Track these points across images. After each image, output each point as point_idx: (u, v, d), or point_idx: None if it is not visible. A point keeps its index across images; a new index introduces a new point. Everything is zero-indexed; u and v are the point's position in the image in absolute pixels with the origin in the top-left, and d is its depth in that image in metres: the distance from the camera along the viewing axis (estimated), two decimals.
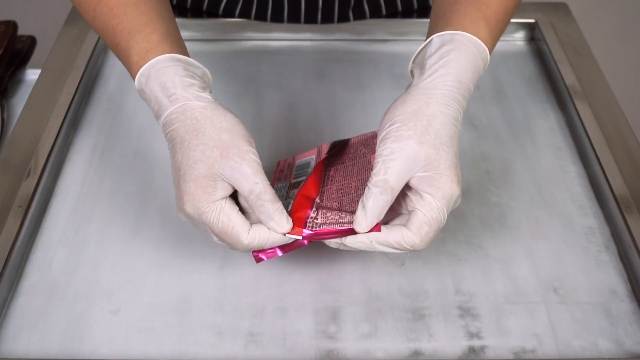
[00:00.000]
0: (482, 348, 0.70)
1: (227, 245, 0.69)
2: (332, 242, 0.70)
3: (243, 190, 0.68)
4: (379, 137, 0.70)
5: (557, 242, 0.79)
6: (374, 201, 0.67)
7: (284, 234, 0.69)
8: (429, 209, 0.67)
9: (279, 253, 0.70)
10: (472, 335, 0.71)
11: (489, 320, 0.72)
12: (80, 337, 0.70)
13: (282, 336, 0.71)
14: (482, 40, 0.73)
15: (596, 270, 0.77)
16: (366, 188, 0.68)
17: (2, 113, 0.98)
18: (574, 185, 0.86)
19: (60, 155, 0.89)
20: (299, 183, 0.76)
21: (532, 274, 0.76)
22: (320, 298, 0.74)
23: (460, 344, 0.70)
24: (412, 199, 0.68)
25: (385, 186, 0.67)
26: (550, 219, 0.82)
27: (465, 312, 0.73)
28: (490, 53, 0.74)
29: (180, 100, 0.71)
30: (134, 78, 0.74)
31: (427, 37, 0.75)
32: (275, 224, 0.68)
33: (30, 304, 0.73)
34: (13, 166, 0.85)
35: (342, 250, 0.71)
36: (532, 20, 1.08)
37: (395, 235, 0.68)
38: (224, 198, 0.69)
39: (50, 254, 0.78)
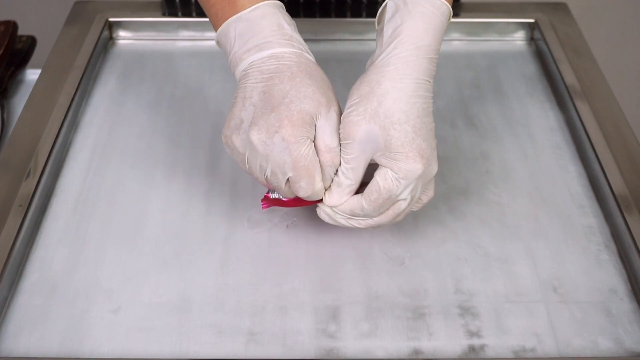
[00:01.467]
0: (482, 347, 0.70)
1: (288, 184, 0.72)
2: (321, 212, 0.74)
3: (322, 144, 0.71)
4: (342, 116, 0.72)
5: (557, 242, 0.79)
6: (340, 179, 0.72)
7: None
8: (382, 179, 0.70)
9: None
10: (472, 334, 0.71)
11: (489, 319, 0.72)
12: (81, 336, 0.71)
13: (282, 335, 0.71)
14: None
15: (596, 270, 0.77)
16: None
17: (2, 113, 0.98)
18: (574, 185, 0.86)
19: (60, 155, 0.89)
20: None
21: (532, 273, 0.76)
22: (320, 297, 0.74)
23: (460, 342, 0.70)
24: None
25: (349, 165, 0.71)
26: (550, 218, 0.82)
27: (465, 311, 0.73)
28: (451, 4, 0.72)
29: (296, 47, 0.73)
30: (236, 12, 0.74)
31: None
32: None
33: (31, 303, 0.73)
34: (13, 166, 0.85)
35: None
36: (532, 20, 1.08)
37: (349, 203, 0.72)
38: (312, 139, 0.71)
39: (50, 254, 0.78)
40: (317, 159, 0.71)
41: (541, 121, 0.95)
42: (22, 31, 1.08)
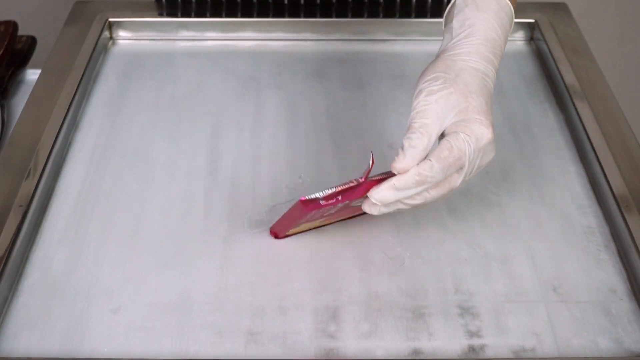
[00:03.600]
0: (482, 347, 0.70)
1: None
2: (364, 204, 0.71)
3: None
4: (414, 95, 0.73)
5: (556, 242, 0.79)
6: (414, 142, 0.70)
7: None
8: (454, 138, 0.70)
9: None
10: (471, 334, 0.71)
11: (489, 319, 0.72)
12: (81, 336, 0.71)
13: (282, 335, 0.71)
14: None
15: (596, 270, 0.77)
16: (405, 135, 0.70)
17: (2, 113, 0.98)
18: (574, 185, 0.86)
19: (60, 155, 0.89)
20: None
21: (532, 273, 0.76)
22: (320, 297, 0.74)
23: (460, 342, 0.70)
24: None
25: (422, 129, 0.70)
26: (550, 218, 0.82)
27: (465, 311, 0.73)
28: (514, 8, 0.77)
29: None
30: None
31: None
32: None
33: (31, 303, 0.73)
34: (13, 166, 0.85)
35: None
36: (532, 20, 1.08)
37: (418, 167, 0.69)
38: None
39: (50, 254, 0.78)
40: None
41: (541, 121, 0.95)
42: (22, 31, 1.08)
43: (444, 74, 0.72)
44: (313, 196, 0.71)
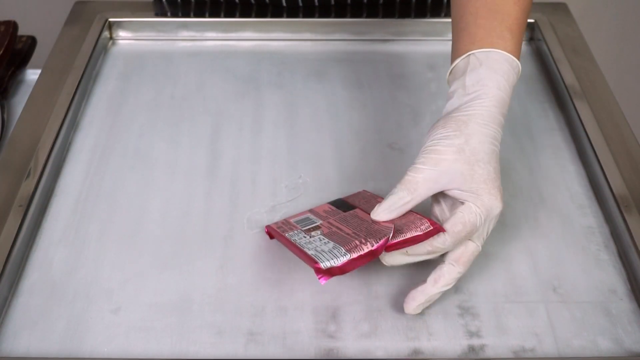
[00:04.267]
0: (482, 347, 0.70)
1: None
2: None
3: None
4: (422, 146, 0.73)
5: (556, 242, 0.79)
6: (393, 195, 0.72)
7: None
8: (468, 212, 0.71)
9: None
10: (471, 334, 0.71)
11: (489, 319, 0.72)
12: (81, 337, 0.71)
13: (282, 335, 0.71)
14: (512, 54, 0.76)
15: (596, 270, 0.77)
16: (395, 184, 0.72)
17: (2, 113, 0.98)
18: (574, 185, 0.86)
19: (60, 155, 0.89)
20: (314, 227, 0.75)
21: (532, 273, 0.76)
22: (320, 297, 0.74)
23: (460, 343, 0.70)
24: (456, 207, 0.71)
25: (408, 185, 0.71)
26: (550, 218, 0.82)
27: (465, 311, 0.73)
28: (518, 59, 0.77)
29: None
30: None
31: (454, 50, 0.78)
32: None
33: (31, 304, 0.73)
34: (13, 166, 0.85)
35: None
36: (531, 20, 1.08)
37: (434, 240, 0.71)
38: None
39: (50, 254, 0.78)
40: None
41: (541, 121, 0.95)
42: (22, 31, 1.08)
43: (453, 137, 0.72)
44: (328, 264, 0.68)
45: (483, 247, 0.74)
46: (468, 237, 0.71)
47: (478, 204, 0.71)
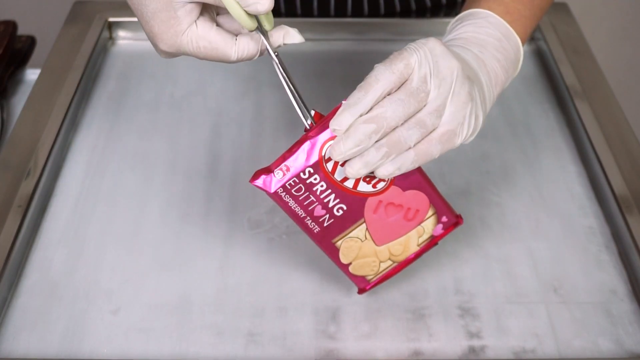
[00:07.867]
0: (482, 348, 0.70)
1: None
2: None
3: None
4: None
5: (557, 242, 0.79)
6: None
7: None
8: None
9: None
10: (472, 335, 0.71)
11: (489, 320, 0.72)
12: (80, 337, 0.70)
13: (282, 336, 0.71)
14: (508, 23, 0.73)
15: (596, 270, 0.77)
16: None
17: (2, 113, 0.98)
18: (574, 185, 0.86)
19: (60, 155, 0.89)
20: None
21: (532, 274, 0.76)
22: (320, 298, 0.74)
23: (460, 344, 0.70)
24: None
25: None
26: (550, 218, 0.82)
27: (465, 312, 0.73)
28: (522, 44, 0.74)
29: None
30: None
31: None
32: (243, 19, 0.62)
33: (30, 304, 0.73)
34: (13, 166, 0.85)
35: None
36: None
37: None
38: (193, 23, 0.63)
39: (50, 254, 0.78)
40: (214, 30, 0.64)
41: (541, 121, 0.95)
42: (22, 31, 1.08)
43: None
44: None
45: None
46: (405, 71, 0.66)
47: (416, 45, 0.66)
